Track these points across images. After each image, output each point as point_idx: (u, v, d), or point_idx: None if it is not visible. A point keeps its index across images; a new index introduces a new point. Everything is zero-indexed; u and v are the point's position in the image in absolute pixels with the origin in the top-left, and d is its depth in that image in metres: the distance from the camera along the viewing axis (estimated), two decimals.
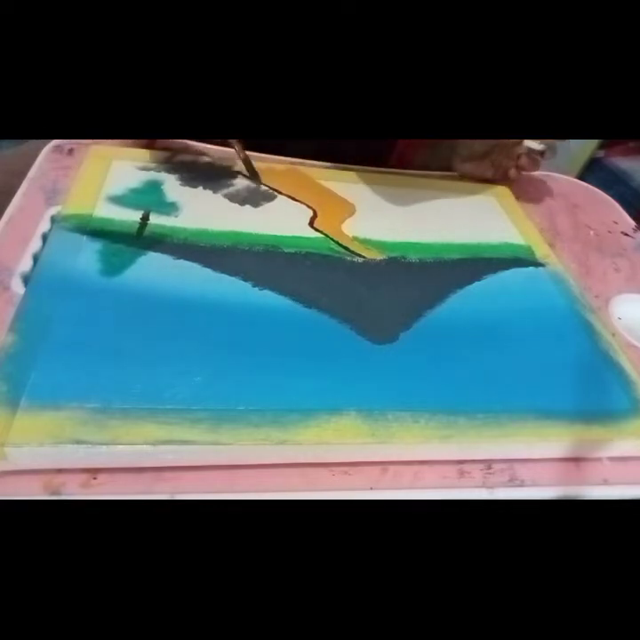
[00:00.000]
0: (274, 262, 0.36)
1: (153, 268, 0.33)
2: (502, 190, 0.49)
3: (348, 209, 0.42)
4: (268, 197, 0.42)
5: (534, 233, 0.45)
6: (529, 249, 0.43)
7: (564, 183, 0.54)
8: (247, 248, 0.37)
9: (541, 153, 0.47)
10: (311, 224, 0.40)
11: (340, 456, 0.28)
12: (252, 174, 0.43)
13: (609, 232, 0.49)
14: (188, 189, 0.40)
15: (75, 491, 0.24)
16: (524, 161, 0.48)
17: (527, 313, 0.37)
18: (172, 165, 0.42)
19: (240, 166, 0.43)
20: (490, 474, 0.29)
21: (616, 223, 0.50)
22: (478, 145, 0.48)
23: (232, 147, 0.42)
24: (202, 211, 0.39)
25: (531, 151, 0.47)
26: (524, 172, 0.49)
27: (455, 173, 0.50)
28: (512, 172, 0.49)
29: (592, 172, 1.13)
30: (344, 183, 0.45)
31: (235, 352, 0.30)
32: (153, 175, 0.41)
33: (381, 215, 0.42)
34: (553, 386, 0.32)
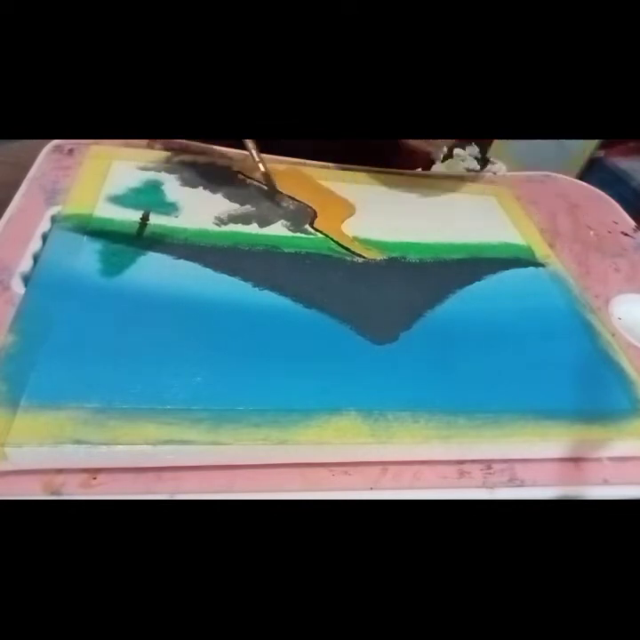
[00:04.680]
0: (274, 262, 0.36)
1: (153, 268, 0.33)
2: (502, 190, 0.49)
3: (348, 209, 0.42)
4: (269, 197, 0.42)
5: (534, 233, 0.45)
6: (529, 249, 0.43)
7: (564, 183, 0.54)
8: (247, 248, 0.37)
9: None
10: (311, 224, 0.40)
11: (339, 456, 0.28)
12: (269, 184, 0.42)
13: (609, 232, 0.49)
14: (187, 189, 0.40)
15: (75, 491, 0.24)
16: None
17: (527, 313, 0.37)
18: (171, 165, 0.42)
19: (254, 171, 0.42)
20: (490, 474, 0.29)
21: (616, 223, 0.50)
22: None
23: (248, 150, 0.41)
24: (202, 211, 0.39)
25: None
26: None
27: (456, 174, 0.50)
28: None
29: (592, 172, 1.13)
30: (344, 183, 0.45)
31: (234, 352, 0.30)
32: (153, 175, 0.41)
33: (381, 215, 0.42)
34: (553, 386, 0.32)
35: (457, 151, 0.47)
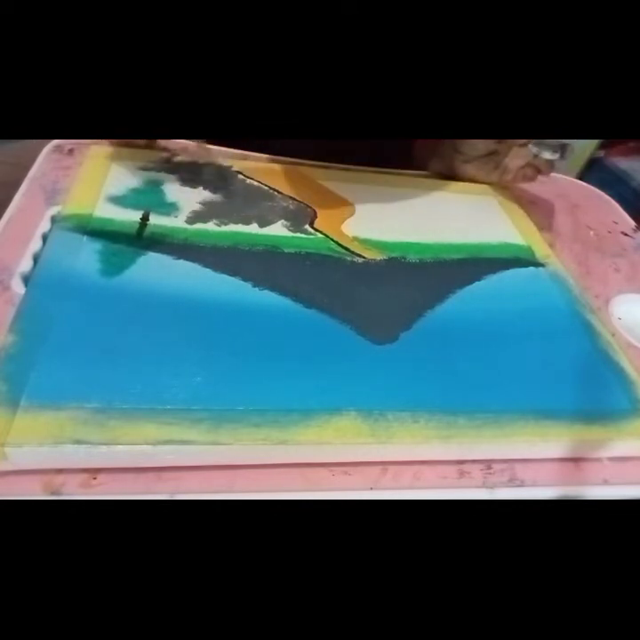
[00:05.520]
0: (274, 262, 0.36)
1: (153, 268, 0.33)
2: (502, 190, 0.49)
3: (348, 209, 0.42)
4: (268, 197, 0.42)
5: (534, 233, 0.45)
6: (529, 249, 0.43)
7: (564, 183, 0.54)
8: (247, 248, 0.37)
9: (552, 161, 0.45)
10: (311, 224, 0.40)
11: (340, 456, 0.28)
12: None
13: (609, 232, 0.49)
14: (187, 189, 0.40)
15: (75, 491, 0.24)
16: (541, 163, 0.46)
17: (527, 313, 0.37)
18: (172, 165, 0.42)
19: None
20: (490, 474, 0.29)
21: (616, 223, 0.50)
22: (482, 144, 0.47)
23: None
24: (202, 211, 0.39)
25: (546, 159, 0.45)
26: (539, 176, 0.47)
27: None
28: (529, 172, 0.47)
29: (592, 172, 1.13)
30: (344, 183, 0.45)
31: (234, 352, 0.30)
32: (153, 175, 0.40)
33: (381, 215, 0.42)
34: (553, 386, 0.32)
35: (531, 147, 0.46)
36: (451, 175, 0.49)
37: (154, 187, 0.40)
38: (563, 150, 0.44)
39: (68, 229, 0.34)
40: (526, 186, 0.50)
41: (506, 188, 0.49)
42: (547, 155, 0.44)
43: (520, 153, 0.46)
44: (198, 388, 0.27)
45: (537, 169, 0.47)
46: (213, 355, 0.29)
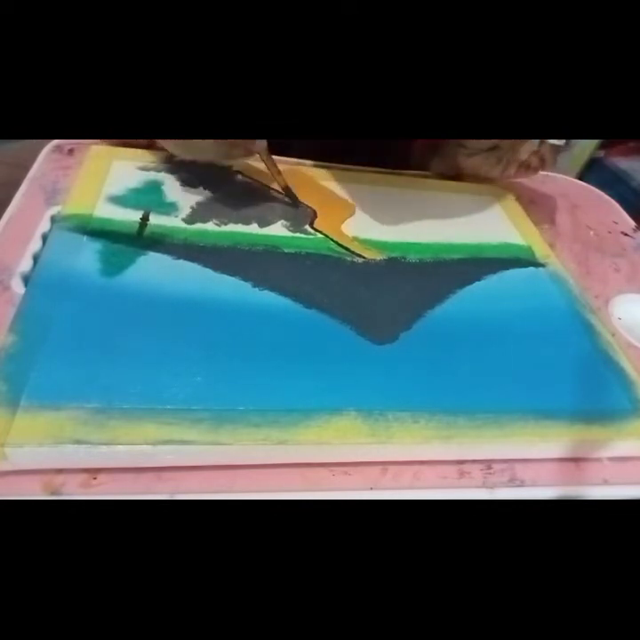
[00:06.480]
0: (274, 262, 0.36)
1: (153, 267, 0.33)
2: (502, 190, 0.49)
3: (348, 209, 0.42)
4: (268, 197, 0.42)
5: (534, 233, 0.45)
6: (529, 249, 0.43)
7: (564, 183, 0.54)
8: (247, 248, 0.37)
9: (557, 147, 0.46)
10: (311, 224, 0.40)
11: (340, 456, 0.28)
12: (292, 198, 0.41)
13: (609, 232, 0.49)
14: (187, 189, 0.40)
15: (75, 491, 0.24)
16: (545, 154, 0.46)
17: (527, 313, 0.37)
18: (172, 165, 0.42)
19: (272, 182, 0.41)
20: (490, 474, 0.29)
21: (616, 223, 0.50)
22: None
23: (262, 160, 0.40)
24: (202, 211, 0.39)
25: (551, 146, 0.46)
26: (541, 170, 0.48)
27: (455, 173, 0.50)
28: (533, 162, 0.47)
29: (592, 172, 1.13)
30: (344, 183, 0.45)
31: (235, 352, 0.30)
32: (153, 175, 0.41)
33: (381, 215, 0.42)
34: (553, 386, 0.32)
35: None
36: (452, 175, 0.49)
37: (154, 187, 0.40)
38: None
39: (68, 229, 0.34)
40: (526, 184, 0.50)
41: (506, 188, 0.49)
42: (553, 140, 0.44)
43: (524, 145, 0.46)
44: (198, 388, 0.27)
45: (542, 159, 0.47)
46: (213, 355, 0.29)
